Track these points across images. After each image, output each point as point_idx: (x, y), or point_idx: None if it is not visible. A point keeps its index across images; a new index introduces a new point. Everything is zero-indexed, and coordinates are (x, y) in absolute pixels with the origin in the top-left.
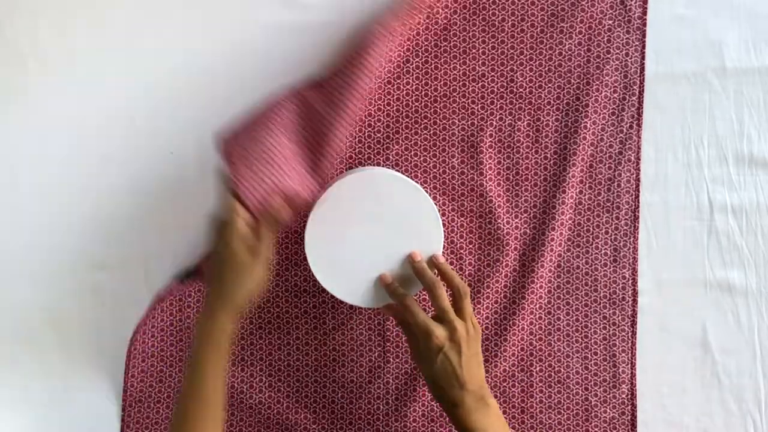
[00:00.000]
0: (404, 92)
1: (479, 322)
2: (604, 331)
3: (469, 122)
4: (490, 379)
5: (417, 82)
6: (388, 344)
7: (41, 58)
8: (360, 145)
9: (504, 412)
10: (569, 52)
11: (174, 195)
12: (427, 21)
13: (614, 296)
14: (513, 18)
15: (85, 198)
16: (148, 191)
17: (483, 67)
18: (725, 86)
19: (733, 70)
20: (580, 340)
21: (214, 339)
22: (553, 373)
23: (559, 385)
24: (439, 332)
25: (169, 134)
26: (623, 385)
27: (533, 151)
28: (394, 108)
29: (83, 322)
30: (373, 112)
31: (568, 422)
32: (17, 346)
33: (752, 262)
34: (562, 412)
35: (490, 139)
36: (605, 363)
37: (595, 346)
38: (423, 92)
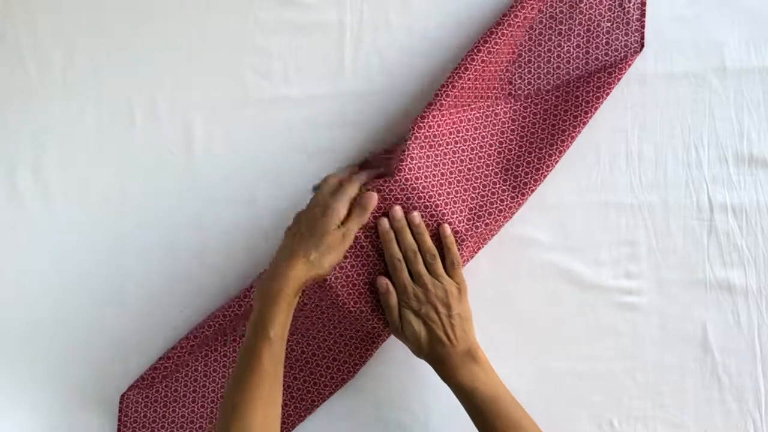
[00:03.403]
0: None
1: None
2: None
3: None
4: None
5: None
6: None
7: (41, 58)
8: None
9: None
10: (568, 55)
11: (172, 199)
12: None
13: None
14: None
15: (83, 198)
16: (146, 193)
17: None
18: (725, 86)
19: (733, 70)
20: None
21: (288, 292)
22: None
23: None
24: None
25: (169, 133)
26: None
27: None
28: None
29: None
30: None
31: None
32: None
33: (752, 262)
34: None
35: None
36: None
37: None
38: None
